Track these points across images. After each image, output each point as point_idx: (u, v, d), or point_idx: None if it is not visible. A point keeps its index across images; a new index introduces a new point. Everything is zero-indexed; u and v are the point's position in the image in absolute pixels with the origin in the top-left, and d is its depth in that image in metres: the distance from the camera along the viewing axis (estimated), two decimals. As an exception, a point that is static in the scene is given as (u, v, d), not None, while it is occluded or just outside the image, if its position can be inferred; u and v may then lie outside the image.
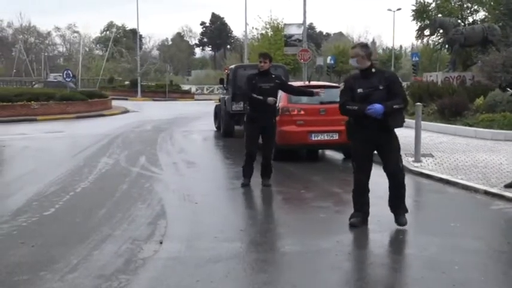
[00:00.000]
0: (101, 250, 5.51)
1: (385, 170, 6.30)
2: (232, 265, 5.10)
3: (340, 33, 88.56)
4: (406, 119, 6.83)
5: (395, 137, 6.29)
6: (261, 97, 8.50)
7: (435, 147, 12.50)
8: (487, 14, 30.29)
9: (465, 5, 32.62)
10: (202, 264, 5.11)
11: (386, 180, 6.40)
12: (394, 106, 5.96)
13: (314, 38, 79.03)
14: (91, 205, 7.54)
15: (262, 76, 8.75)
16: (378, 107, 5.89)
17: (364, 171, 6.34)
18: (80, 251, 5.44)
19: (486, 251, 5.43)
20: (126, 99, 42.34)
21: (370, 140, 6.17)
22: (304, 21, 27.35)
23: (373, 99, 5.97)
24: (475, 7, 32.40)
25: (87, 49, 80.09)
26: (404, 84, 41.48)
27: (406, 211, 6.34)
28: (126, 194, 8.28)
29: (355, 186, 6.44)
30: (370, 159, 6.35)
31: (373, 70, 6.18)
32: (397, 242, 5.90)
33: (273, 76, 8.87)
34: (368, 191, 6.43)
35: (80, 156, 12.39)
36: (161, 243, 5.74)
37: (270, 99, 8.52)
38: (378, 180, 6.72)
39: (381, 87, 6.04)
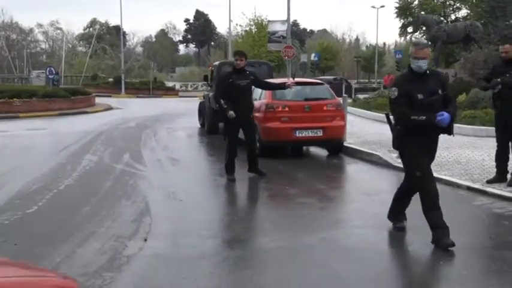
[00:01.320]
0: (85, 248, 5.48)
1: None
2: (216, 262, 5.10)
3: (324, 30, 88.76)
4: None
5: None
6: (225, 106, 8.77)
7: (418, 143, 12.57)
8: (469, 11, 30.58)
9: (448, 3, 32.94)
10: (186, 261, 5.10)
11: (373, 178, 6.42)
12: (456, 113, 5.75)
13: (298, 34, 79.16)
14: (74, 202, 7.49)
15: (238, 74, 9.02)
16: (447, 116, 5.31)
17: (433, 179, 5.64)
18: (63, 249, 5.40)
19: (469, 246, 5.48)
20: (110, 96, 42.07)
21: (428, 147, 5.61)
22: (288, 18, 27.35)
23: (435, 105, 5.38)
24: (458, 4, 32.75)
25: (70, 46, 79.45)
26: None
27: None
28: (110, 191, 8.23)
29: (427, 200, 5.48)
30: None
31: (428, 71, 5.54)
32: (381, 238, 5.93)
33: (248, 73, 9.16)
34: None
35: (63, 153, 12.30)
36: (146, 240, 5.72)
37: (231, 113, 8.75)
38: (363, 177, 6.80)
39: (439, 92, 5.47)
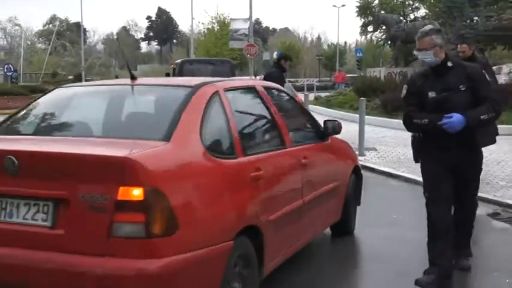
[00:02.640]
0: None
1: (456, 201, 4.57)
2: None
3: (286, 29, 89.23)
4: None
5: (481, 158, 4.62)
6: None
7: (378, 141, 12.76)
8: (427, 11, 31.17)
9: (407, 2, 33.54)
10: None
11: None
12: (482, 117, 4.21)
13: (260, 33, 79.33)
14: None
15: (282, 73, 10.16)
16: (456, 119, 4.15)
17: (442, 204, 4.45)
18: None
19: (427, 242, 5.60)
20: (70, 94, 41.44)
21: (448, 161, 4.40)
22: (251, 16, 27.41)
23: (450, 105, 4.24)
24: (417, 4, 33.36)
25: (29, 42, 77.88)
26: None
27: (470, 254, 4.84)
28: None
29: (429, 228, 4.55)
30: (450, 186, 4.44)
31: (450, 64, 4.40)
32: (341, 235, 6.01)
33: None
34: (449, 233, 4.48)
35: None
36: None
37: None
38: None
39: (462, 88, 4.28)
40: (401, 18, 29.90)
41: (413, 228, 6.04)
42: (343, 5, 59.35)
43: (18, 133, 3.95)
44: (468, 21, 20.77)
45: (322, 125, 5.16)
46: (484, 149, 8.32)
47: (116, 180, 2.93)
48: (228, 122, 3.73)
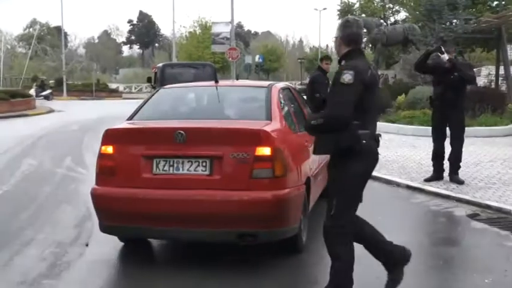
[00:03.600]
0: (24, 255, 5.35)
1: None
2: (161, 265, 5.08)
3: (268, 32, 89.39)
4: None
5: (343, 172, 3.87)
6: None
7: (360, 143, 12.81)
8: (407, 14, 31.41)
9: (387, 6, 33.77)
10: (129, 267, 5.06)
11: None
12: (312, 122, 3.86)
13: (242, 36, 79.43)
14: (13, 208, 7.28)
15: (325, 75, 10.30)
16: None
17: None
18: (0, 257, 5.26)
19: (407, 243, 5.59)
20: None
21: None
22: (232, 19, 27.45)
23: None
24: (397, 8, 33.62)
25: (9, 47, 77.12)
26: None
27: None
28: (50, 196, 8.06)
29: None
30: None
31: (342, 63, 3.98)
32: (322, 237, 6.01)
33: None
34: (365, 240, 4.60)
35: (1, 158, 11.94)
36: (87, 245, 5.62)
37: None
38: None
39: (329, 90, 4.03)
40: (381, 21, 30.13)
41: (394, 230, 6.06)
42: (324, 9, 60.01)
43: (163, 118, 5.42)
44: (448, 24, 20.94)
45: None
46: (464, 151, 8.43)
47: (254, 143, 4.66)
48: (289, 108, 5.76)
